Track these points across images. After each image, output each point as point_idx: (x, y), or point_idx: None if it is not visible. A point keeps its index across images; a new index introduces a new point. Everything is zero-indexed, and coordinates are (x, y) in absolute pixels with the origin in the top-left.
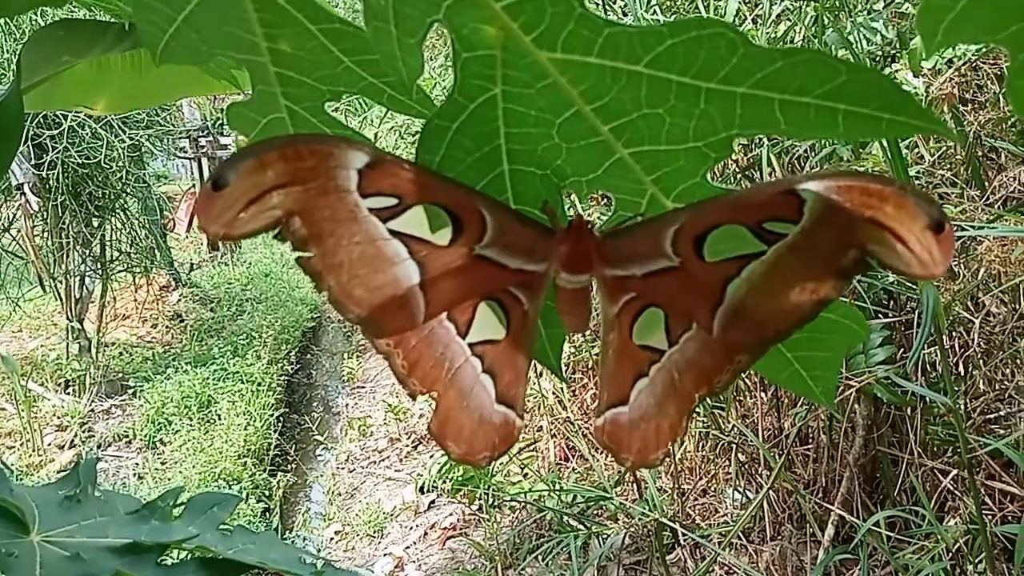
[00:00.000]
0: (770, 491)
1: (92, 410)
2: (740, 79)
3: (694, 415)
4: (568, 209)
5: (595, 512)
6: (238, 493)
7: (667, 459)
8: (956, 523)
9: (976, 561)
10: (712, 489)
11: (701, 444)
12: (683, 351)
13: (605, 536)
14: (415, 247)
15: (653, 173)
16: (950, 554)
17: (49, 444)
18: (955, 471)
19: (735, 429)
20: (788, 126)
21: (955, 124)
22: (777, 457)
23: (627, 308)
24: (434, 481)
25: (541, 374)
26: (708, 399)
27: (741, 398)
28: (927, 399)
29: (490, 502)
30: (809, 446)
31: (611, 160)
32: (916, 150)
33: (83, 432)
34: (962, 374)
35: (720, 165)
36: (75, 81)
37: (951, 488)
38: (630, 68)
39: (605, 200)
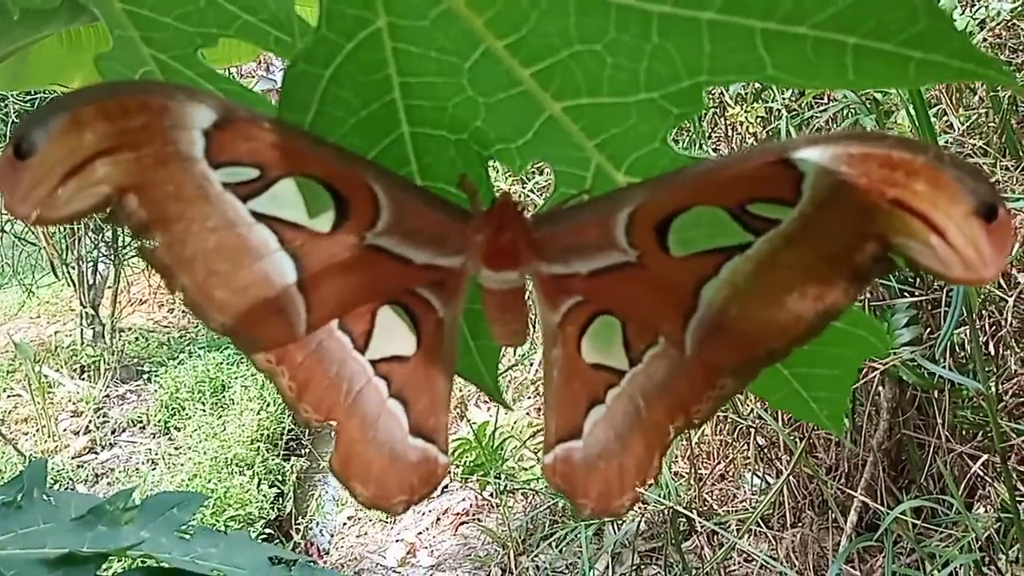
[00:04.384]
0: (790, 476)
1: (107, 396)
2: None
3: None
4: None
5: None
6: (249, 478)
7: (634, 505)
8: (987, 511)
9: (1009, 551)
10: (730, 474)
11: (719, 428)
12: (648, 372)
13: (620, 523)
14: (287, 235)
15: (596, 136)
16: (979, 543)
17: (64, 430)
18: (985, 456)
19: (754, 412)
20: (777, 69)
21: (988, 89)
22: (798, 441)
23: (572, 316)
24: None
25: None
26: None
27: None
28: (954, 382)
29: (502, 488)
30: None
31: (541, 119)
32: (945, 118)
33: (98, 418)
34: (992, 355)
35: (733, 137)
36: (45, 58)
37: (981, 474)
38: None
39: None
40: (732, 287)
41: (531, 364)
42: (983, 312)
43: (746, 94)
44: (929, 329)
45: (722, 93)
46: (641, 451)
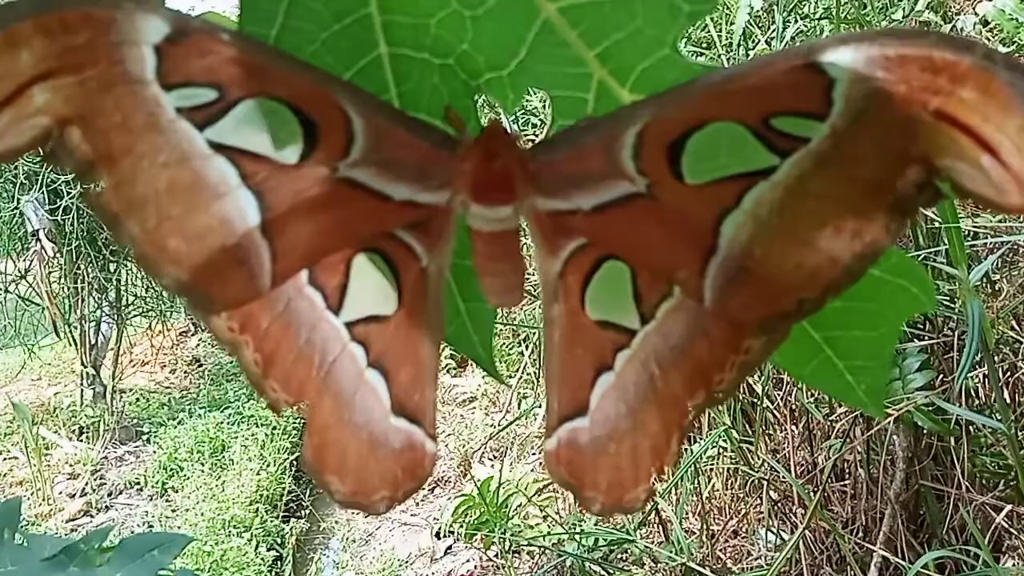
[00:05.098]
0: (806, 531)
1: (105, 457)
2: None
3: (689, 432)
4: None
5: (618, 557)
6: (247, 540)
7: (649, 500)
8: (1016, 564)
9: None
10: (743, 530)
11: (730, 482)
12: (663, 331)
13: None
14: (249, 168)
15: (598, 44)
16: None
17: (60, 493)
18: (1009, 507)
19: (765, 464)
20: None
21: None
22: (812, 494)
23: (575, 262)
24: (449, 526)
25: None
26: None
27: (771, 431)
28: (971, 429)
29: (507, 547)
30: (846, 481)
31: (535, 27)
32: None
33: (95, 480)
34: (1009, 402)
35: None
36: None
37: (1005, 525)
38: None
39: None
40: (756, 221)
41: (535, 418)
42: (995, 356)
43: None
44: (941, 375)
45: None
46: (657, 429)
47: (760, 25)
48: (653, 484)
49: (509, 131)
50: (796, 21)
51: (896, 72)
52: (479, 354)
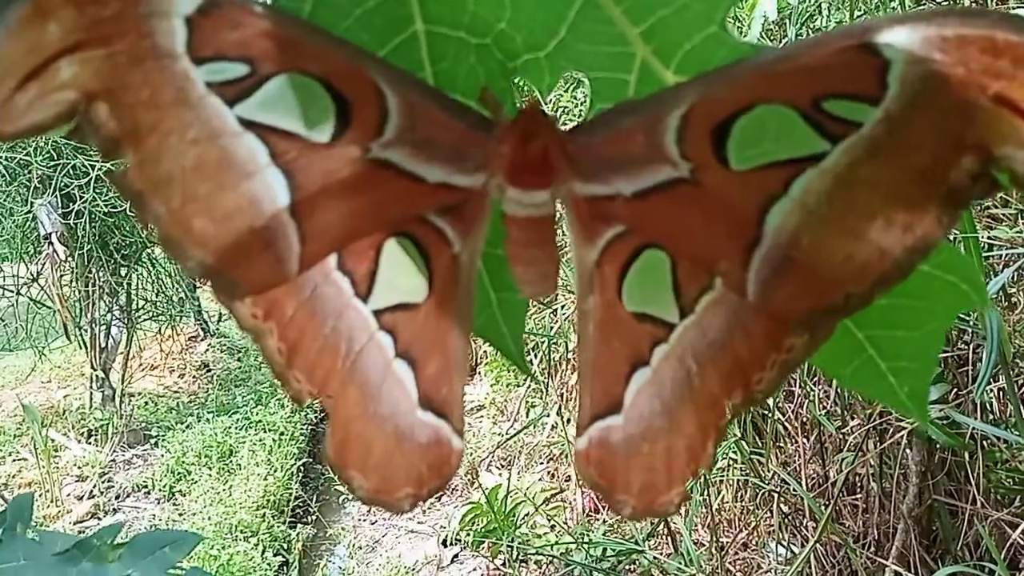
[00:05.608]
0: (817, 545)
1: (113, 460)
2: None
3: (723, 439)
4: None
5: (627, 568)
6: (254, 546)
7: (683, 505)
8: None
9: None
10: (753, 543)
11: (740, 494)
12: (702, 325)
13: None
14: (279, 146)
15: (642, 21)
16: None
17: (68, 495)
18: None
19: (776, 477)
20: None
21: None
22: (823, 507)
23: (613, 251)
24: (456, 534)
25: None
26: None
27: (781, 443)
28: (985, 443)
29: (514, 556)
30: (858, 495)
31: (577, 4)
32: None
33: (103, 483)
34: None
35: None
36: None
37: (1022, 542)
38: None
39: None
40: (804, 210)
41: (544, 426)
42: (1011, 370)
43: None
44: (955, 388)
45: None
46: (693, 429)
47: (772, 38)
48: (687, 489)
49: (547, 113)
50: (808, 34)
51: (954, 54)
52: (508, 346)
